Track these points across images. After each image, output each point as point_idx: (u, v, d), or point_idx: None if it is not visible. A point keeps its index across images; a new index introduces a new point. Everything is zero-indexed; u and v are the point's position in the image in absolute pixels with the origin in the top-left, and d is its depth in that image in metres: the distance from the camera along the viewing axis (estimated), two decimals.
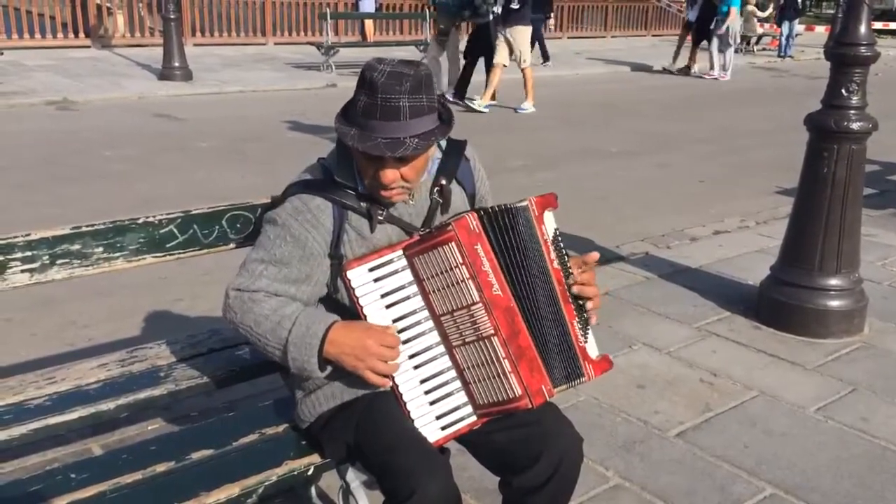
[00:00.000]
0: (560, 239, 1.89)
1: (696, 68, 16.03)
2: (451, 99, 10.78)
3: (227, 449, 2.05)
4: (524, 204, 1.83)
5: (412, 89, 1.72)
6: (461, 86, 11.12)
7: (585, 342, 1.89)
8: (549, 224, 1.87)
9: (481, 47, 10.83)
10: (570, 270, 1.89)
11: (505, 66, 10.62)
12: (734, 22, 15.08)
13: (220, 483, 1.90)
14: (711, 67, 15.47)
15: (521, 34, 10.45)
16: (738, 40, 15.56)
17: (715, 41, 15.15)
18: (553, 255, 1.86)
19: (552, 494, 1.86)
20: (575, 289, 1.88)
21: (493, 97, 10.83)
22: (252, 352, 2.31)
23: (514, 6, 10.10)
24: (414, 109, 1.73)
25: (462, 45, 11.67)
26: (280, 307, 1.81)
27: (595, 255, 1.97)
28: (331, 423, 1.95)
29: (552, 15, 17.72)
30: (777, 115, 11.14)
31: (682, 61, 16.30)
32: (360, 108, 1.75)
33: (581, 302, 1.90)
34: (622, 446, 2.87)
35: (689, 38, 16.28)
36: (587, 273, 1.92)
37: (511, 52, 10.54)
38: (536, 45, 17.06)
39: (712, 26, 15.18)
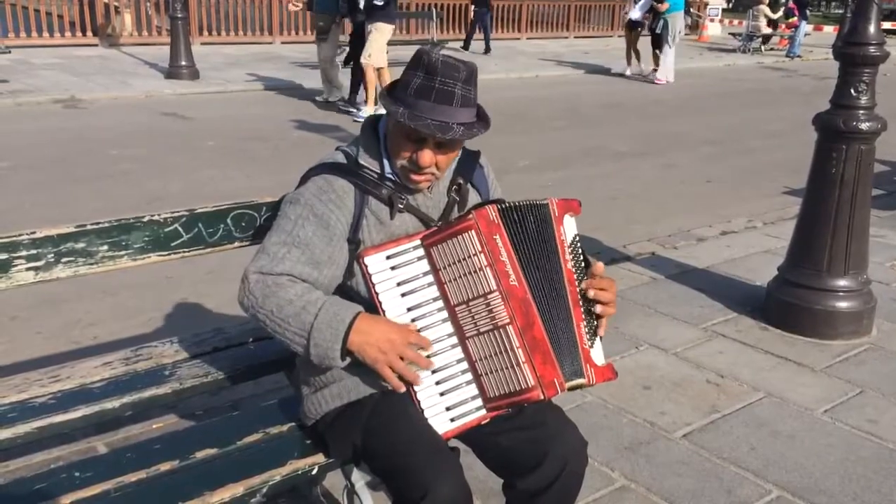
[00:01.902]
0: (579, 245, 1.90)
1: (633, 70, 15.18)
2: (342, 107, 10.15)
3: (231, 448, 2.04)
4: (545, 202, 1.85)
5: (466, 79, 1.79)
6: (355, 90, 10.21)
7: (591, 347, 1.88)
8: (570, 228, 1.88)
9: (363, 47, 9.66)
10: (585, 276, 1.89)
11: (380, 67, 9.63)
12: (676, 23, 14.10)
13: (224, 482, 1.89)
14: (655, 69, 14.58)
15: (380, 31, 9.47)
16: (677, 41, 14.26)
17: (665, 45, 14.25)
18: (569, 257, 1.86)
19: (556, 498, 1.85)
20: (591, 293, 1.87)
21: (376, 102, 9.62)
22: (257, 350, 2.30)
23: (378, 2, 9.27)
24: (464, 99, 1.79)
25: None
26: (305, 293, 1.78)
27: (600, 266, 1.94)
28: (336, 423, 1.94)
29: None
30: (785, 116, 11.11)
31: (634, 65, 15.30)
32: (413, 87, 1.79)
33: (591, 308, 1.89)
34: (628, 447, 2.85)
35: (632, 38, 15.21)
36: (607, 280, 1.91)
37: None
38: (477, 35, 17.33)
39: (654, 27, 14.37)
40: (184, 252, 2.13)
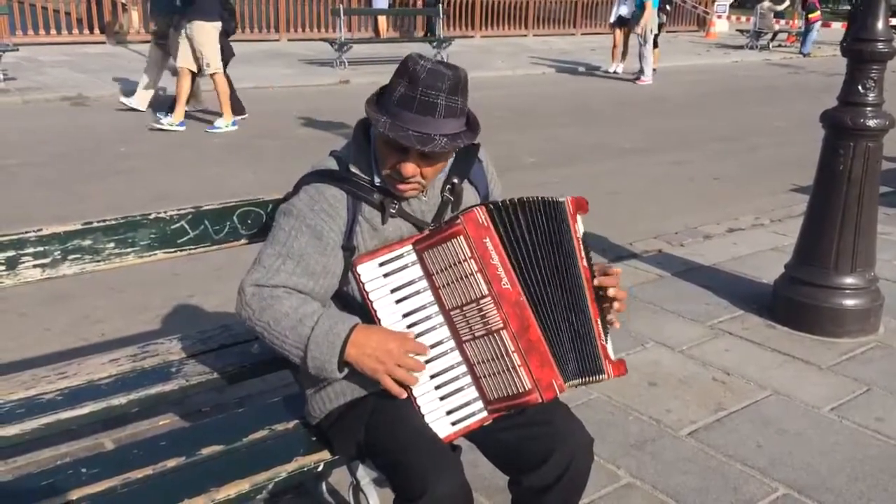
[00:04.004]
0: (587, 242, 1.90)
1: (615, 67, 15.12)
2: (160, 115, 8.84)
3: (237, 445, 2.05)
4: (562, 200, 1.85)
5: (451, 89, 1.74)
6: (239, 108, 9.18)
7: (606, 342, 1.89)
8: (579, 226, 1.89)
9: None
10: (595, 273, 1.90)
11: (192, 71, 8.61)
12: (649, 20, 13.88)
13: (230, 479, 1.90)
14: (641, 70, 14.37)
15: (202, 32, 8.33)
16: (650, 39, 14.03)
17: (641, 41, 14.07)
18: (583, 254, 1.87)
19: (562, 494, 1.85)
20: (611, 292, 1.88)
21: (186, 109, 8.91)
22: (263, 348, 2.31)
23: None
24: (449, 109, 1.74)
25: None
26: (301, 305, 1.80)
27: (618, 271, 1.96)
28: (340, 421, 1.95)
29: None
30: (793, 113, 11.07)
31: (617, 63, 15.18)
32: (396, 97, 1.75)
33: (605, 304, 1.90)
34: (634, 445, 2.85)
35: (619, 35, 15.11)
36: (613, 277, 1.92)
37: (194, 53, 8.46)
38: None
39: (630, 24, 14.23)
40: (190, 249, 2.14)
